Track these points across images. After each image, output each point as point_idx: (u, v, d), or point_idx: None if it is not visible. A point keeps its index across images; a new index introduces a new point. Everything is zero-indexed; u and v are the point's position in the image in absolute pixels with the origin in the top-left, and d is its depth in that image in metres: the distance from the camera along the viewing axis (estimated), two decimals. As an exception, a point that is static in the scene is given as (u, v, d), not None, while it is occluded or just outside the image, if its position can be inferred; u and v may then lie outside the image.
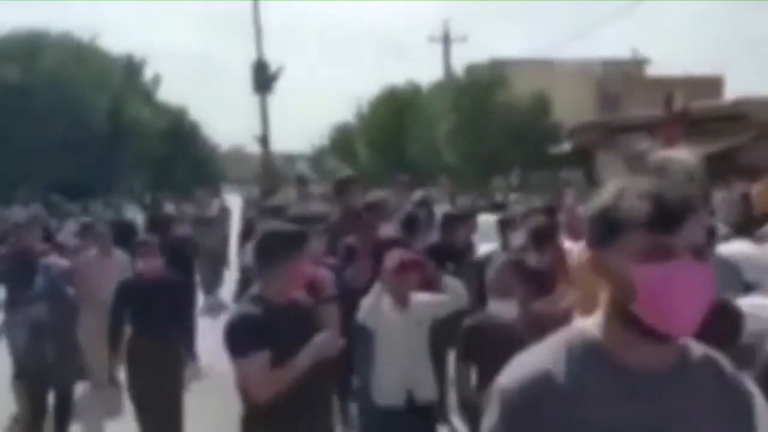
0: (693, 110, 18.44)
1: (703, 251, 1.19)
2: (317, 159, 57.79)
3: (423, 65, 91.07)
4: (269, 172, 24.23)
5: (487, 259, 5.16)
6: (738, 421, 1.29)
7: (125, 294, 5.02)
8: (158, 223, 9.07)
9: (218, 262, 12.35)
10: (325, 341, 2.93)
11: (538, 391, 1.23)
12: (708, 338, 1.44)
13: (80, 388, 6.40)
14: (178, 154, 39.94)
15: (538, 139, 24.63)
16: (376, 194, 5.82)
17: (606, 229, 1.23)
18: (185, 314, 5.28)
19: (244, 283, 5.37)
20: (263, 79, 21.95)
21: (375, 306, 3.76)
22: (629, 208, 1.20)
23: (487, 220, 10.06)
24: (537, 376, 1.23)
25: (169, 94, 45.15)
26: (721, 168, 16.05)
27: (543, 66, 29.50)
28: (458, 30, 34.67)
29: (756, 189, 12.28)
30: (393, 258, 3.79)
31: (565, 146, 24.91)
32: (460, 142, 26.05)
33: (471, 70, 30.90)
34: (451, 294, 3.99)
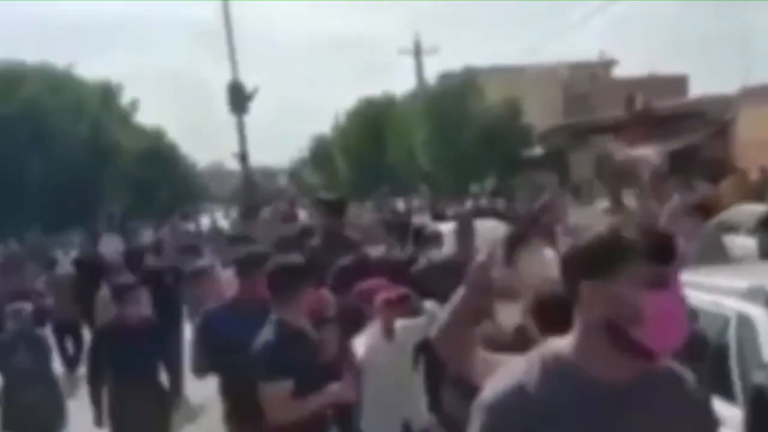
0: (655, 109, 19.15)
1: (676, 276, 1.37)
2: (296, 172, 58.13)
3: (398, 76, 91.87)
4: (249, 189, 24.50)
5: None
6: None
7: (104, 340, 4.76)
8: (131, 257, 8.76)
9: None
10: (343, 389, 3.14)
11: (513, 406, 1.35)
12: None
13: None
14: (158, 176, 40.18)
15: (510, 143, 25.26)
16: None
17: (607, 260, 1.33)
18: (170, 356, 5.01)
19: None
20: (239, 99, 22.33)
21: (370, 345, 3.82)
22: (633, 241, 1.33)
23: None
24: (513, 391, 1.36)
25: (146, 114, 45.37)
26: (683, 164, 16.75)
27: (513, 72, 30.17)
28: (429, 41, 35.37)
29: (724, 186, 12.73)
30: (381, 294, 3.90)
31: (537, 150, 25.60)
32: (435, 149, 26.62)
33: (443, 78, 31.54)
34: (428, 316, 3.97)
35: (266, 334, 3.13)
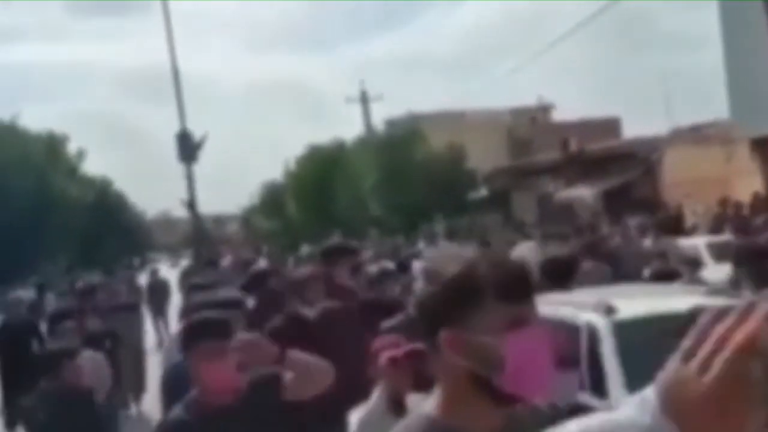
0: (588, 151, 20.22)
1: (535, 313, 1.24)
2: (247, 219, 57.96)
3: (346, 121, 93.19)
4: (200, 237, 24.45)
5: None
6: None
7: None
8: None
9: (138, 358, 9.88)
10: None
11: None
12: None
13: None
14: (105, 226, 39.74)
15: (456, 186, 26.11)
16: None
17: (460, 302, 1.20)
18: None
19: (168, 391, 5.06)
20: (188, 149, 22.45)
21: (368, 421, 2.92)
22: (487, 279, 1.19)
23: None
24: None
25: (93, 164, 44.88)
26: (617, 202, 17.68)
27: (456, 117, 31.25)
28: (373, 88, 36.37)
29: None
30: (385, 350, 2.96)
31: (482, 191, 26.50)
32: (384, 194, 27.25)
33: (389, 124, 32.44)
34: None
35: (165, 416, 2.73)
